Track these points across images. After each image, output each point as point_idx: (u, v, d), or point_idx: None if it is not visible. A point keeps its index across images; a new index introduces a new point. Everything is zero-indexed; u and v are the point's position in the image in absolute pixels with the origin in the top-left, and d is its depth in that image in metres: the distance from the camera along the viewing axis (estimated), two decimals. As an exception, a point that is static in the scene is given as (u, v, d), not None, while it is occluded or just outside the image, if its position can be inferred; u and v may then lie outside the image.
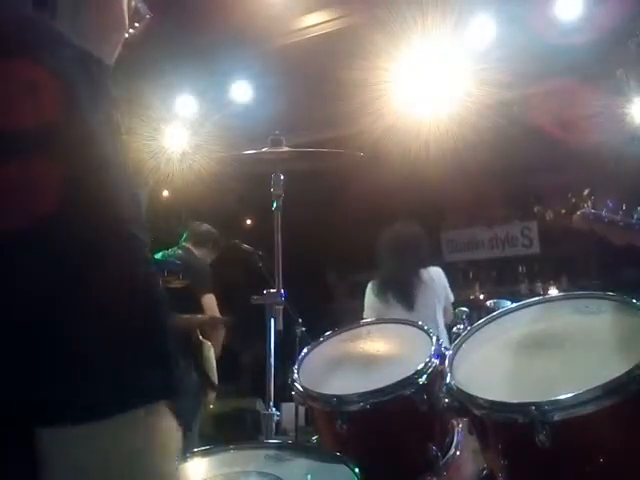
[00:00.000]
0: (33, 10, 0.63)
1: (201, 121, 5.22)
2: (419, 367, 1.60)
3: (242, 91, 5.09)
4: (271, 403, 2.02)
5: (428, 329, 1.81)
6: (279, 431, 4.31)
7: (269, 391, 2.01)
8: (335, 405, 1.60)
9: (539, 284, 7.33)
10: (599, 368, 1.26)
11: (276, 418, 2.04)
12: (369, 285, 3.72)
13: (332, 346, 1.91)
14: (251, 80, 5.05)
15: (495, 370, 1.43)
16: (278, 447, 1.52)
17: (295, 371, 1.78)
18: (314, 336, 2.16)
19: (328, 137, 5.17)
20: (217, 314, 3.81)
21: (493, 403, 1.30)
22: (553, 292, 6.45)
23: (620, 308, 1.42)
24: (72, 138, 0.56)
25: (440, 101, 4.61)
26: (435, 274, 3.65)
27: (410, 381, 1.59)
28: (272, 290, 2.10)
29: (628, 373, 1.18)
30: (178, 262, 3.57)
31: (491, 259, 7.93)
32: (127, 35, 0.78)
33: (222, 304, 3.85)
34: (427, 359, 1.63)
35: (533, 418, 1.20)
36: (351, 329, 1.98)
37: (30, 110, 0.55)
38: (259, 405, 5.60)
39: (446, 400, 1.41)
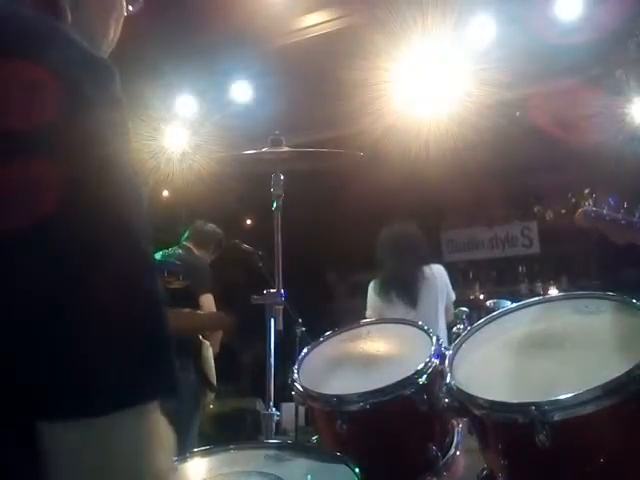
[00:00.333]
0: (34, 6, 0.63)
1: (201, 121, 5.22)
2: (419, 367, 1.60)
3: (242, 91, 5.09)
4: (271, 403, 2.02)
5: (428, 329, 1.81)
6: (279, 431, 4.32)
7: (269, 391, 2.01)
8: (335, 405, 1.60)
9: (539, 284, 7.34)
10: (599, 368, 1.26)
11: (276, 418, 2.04)
12: (371, 284, 3.72)
13: (332, 346, 1.91)
14: (251, 80, 5.05)
15: (495, 370, 1.43)
16: (278, 447, 1.52)
17: (295, 371, 1.78)
18: (314, 336, 2.16)
19: (328, 137, 5.17)
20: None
21: (493, 403, 1.30)
22: (553, 292, 6.45)
23: (620, 308, 1.42)
24: (73, 138, 0.56)
25: (440, 101, 4.62)
26: (437, 271, 3.66)
27: (410, 381, 1.59)
28: (272, 290, 2.09)
29: (628, 373, 1.18)
30: (178, 262, 3.57)
31: (491, 259, 7.93)
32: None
33: (222, 304, 3.84)
34: (427, 359, 1.63)
35: (533, 418, 1.20)
36: (351, 329, 1.98)
37: (31, 110, 0.55)
38: (259, 405, 5.60)
39: (446, 400, 1.41)
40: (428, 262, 3.67)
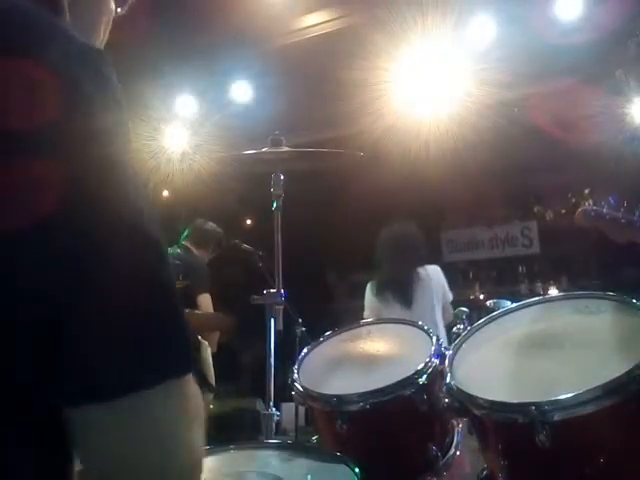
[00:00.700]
0: (33, 2, 0.62)
1: (201, 121, 5.22)
2: (419, 367, 1.60)
3: (242, 91, 5.09)
4: (271, 403, 2.02)
5: (428, 329, 1.81)
6: (279, 431, 4.31)
7: (269, 391, 2.01)
8: (335, 405, 1.60)
9: (539, 284, 7.33)
10: (599, 368, 1.26)
11: (276, 418, 2.05)
12: (368, 285, 3.75)
13: (332, 346, 1.91)
14: (251, 80, 5.05)
15: (495, 370, 1.43)
16: (278, 447, 1.52)
17: (295, 371, 1.78)
18: (314, 336, 2.16)
19: (328, 137, 5.17)
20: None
21: (493, 403, 1.30)
22: (553, 292, 6.45)
23: (620, 308, 1.42)
24: (74, 137, 0.56)
25: (440, 101, 4.61)
26: (432, 272, 3.67)
27: (410, 381, 1.59)
28: (272, 290, 2.09)
29: (628, 373, 1.18)
30: (178, 262, 3.57)
31: (491, 259, 7.93)
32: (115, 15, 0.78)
33: (222, 304, 3.84)
34: (427, 359, 1.63)
35: (533, 418, 1.20)
36: (351, 329, 1.98)
37: (31, 109, 0.55)
38: (259, 405, 5.59)
39: (446, 400, 1.41)
40: (423, 263, 3.69)
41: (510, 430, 1.30)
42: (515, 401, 1.26)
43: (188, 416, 0.62)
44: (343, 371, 1.78)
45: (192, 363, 0.61)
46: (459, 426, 1.70)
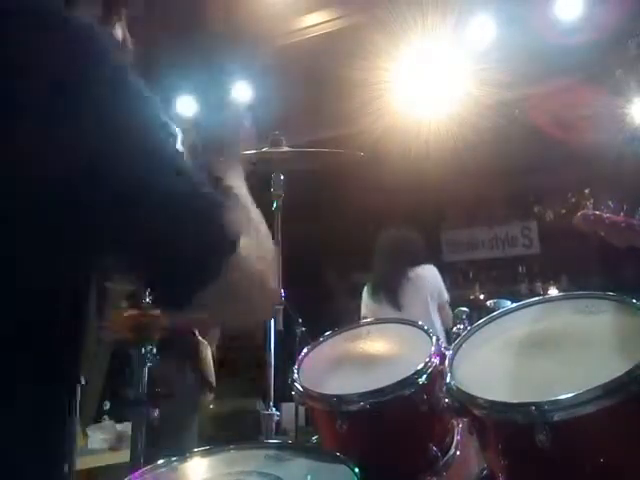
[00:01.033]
0: None
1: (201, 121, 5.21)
2: (419, 367, 1.60)
3: (242, 91, 5.09)
4: (271, 403, 2.02)
5: (428, 329, 1.81)
6: (279, 431, 4.31)
7: (269, 391, 2.01)
8: (335, 405, 1.60)
9: (539, 284, 7.33)
10: (599, 368, 1.26)
11: (276, 418, 2.05)
12: (365, 286, 3.80)
13: (332, 346, 1.91)
14: (251, 80, 5.05)
15: (495, 370, 1.43)
16: (278, 447, 1.52)
17: (295, 371, 1.78)
18: (314, 336, 2.16)
19: (328, 137, 5.17)
20: None
21: (493, 403, 1.30)
22: (553, 292, 6.45)
23: (620, 308, 1.42)
24: (91, 111, 0.63)
25: (440, 101, 4.62)
26: (425, 272, 3.69)
27: (410, 381, 1.59)
28: (272, 290, 2.09)
29: (628, 373, 1.18)
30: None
31: (491, 259, 7.92)
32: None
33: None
34: (427, 359, 1.63)
35: (533, 418, 1.20)
36: (351, 329, 1.98)
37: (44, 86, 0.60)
38: (259, 405, 5.59)
39: (446, 400, 1.41)
40: (418, 263, 3.71)
41: (510, 430, 1.30)
42: (515, 401, 1.26)
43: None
44: (343, 371, 1.78)
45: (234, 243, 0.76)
46: (459, 426, 1.70)
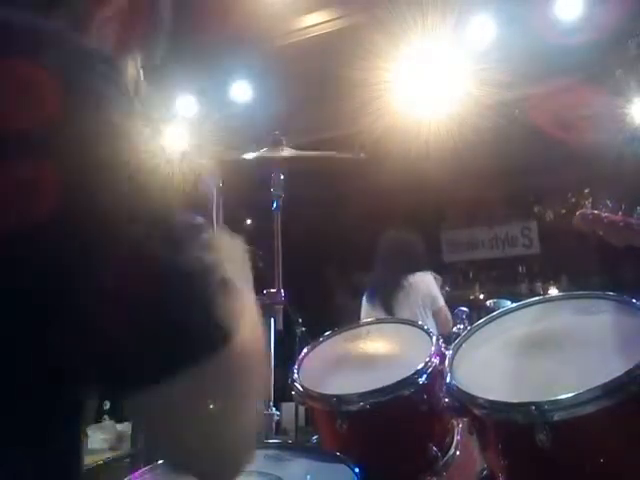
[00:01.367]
0: (34, 6, 0.63)
1: (201, 121, 5.22)
2: (419, 367, 1.60)
3: (242, 91, 5.09)
4: (271, 403, 2.02)
5: (428, 329, 1.82)
6: (279, 431, 4.31)
7: (269, 391, 2.01)
8: (335, 405, 1.60)
9: (539, 284, 7.32)
10: (599, 368, 1.26)
11: (276, 418, 2.05)
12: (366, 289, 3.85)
13: (332, 346, 1.91)
14: (251, 80, 5.05)
15: (495, 370, 1.43)
16: (278, 447, 1.52)
17: (295, 371, 1.78)
18: (314, 336, 2.16)
19: (328, 137, 5.17)
20: None
21: (493, 403, 1.30)
22: (553, 292, 6.45)
23: (620, 308, 1.42)
24: (70, 140, 0.56)
25: (440, 101, 4.62)
26: (418, 280, 3.69)
27: (410, 381, 1.59)
28: (272, 290, 2.10)
29: (628, 373, 1.18)
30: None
31: (491, 259, 7.92)
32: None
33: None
34: (427, 359, 1.63)
35: (533, 418, 1.20)
36: (351, 329, 1.98)
37: (28, 111, 0.55)
38: (259, 405, 5.58)
39: (446, 400, 1.41)
40: (417, 269, 3.73)
41: (510, 430, 1.30)
42: (515, 401, 1.26)
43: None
44: (343, 371, 1.78)
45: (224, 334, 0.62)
46: (459, 426, 1.70)
